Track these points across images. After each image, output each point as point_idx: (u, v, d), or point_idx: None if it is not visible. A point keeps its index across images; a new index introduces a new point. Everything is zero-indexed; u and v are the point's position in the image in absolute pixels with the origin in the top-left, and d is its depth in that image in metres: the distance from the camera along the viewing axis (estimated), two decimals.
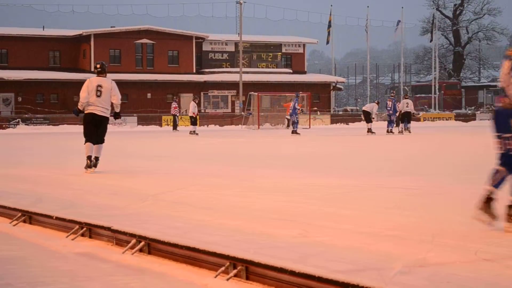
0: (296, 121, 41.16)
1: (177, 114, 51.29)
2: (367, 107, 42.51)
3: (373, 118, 41.31)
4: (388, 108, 40.51)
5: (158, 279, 5.98)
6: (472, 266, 5.70)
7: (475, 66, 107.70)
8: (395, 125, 40.64)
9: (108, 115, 16.09)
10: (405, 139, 33.18)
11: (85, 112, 15.99)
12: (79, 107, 15.90)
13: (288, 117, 51.50)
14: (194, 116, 43.31)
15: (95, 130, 16.03)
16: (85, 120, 16.18)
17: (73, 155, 23.13)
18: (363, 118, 43.38)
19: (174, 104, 51.51)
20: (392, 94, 42.73)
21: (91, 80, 16.01)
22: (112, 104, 15.95)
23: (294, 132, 40.50)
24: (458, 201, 9.93)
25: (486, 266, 5.71)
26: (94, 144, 15.95)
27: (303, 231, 7.41)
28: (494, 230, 7.36)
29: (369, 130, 39.91)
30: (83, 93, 15.93)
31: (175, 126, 50.84)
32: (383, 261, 5.87)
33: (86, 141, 15.97)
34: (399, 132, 40.30)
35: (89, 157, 15.82)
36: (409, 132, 40.40)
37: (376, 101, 45.18)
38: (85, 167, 15.64)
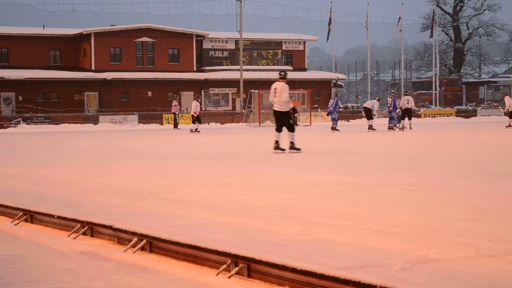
0: (336, 118, 41.02)
1: (177, 112, 51.27)
2: (368, 103, 42.41)
3: (374, 115, 41.32)
4: (388, 105, 40.50)
5: (159, 277, 5.98)
6: (473, 262, 5.70)
7: (476, 62, 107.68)
8: (396, 121, 40.58)
9: (284, 110, 20.94)
10: (406, 135, 33.17)
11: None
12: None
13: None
14: (196, 115, 43.24)
15: (278, 121, 20.91)
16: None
17: (74, 154, 23.14)
18: (363, 115, 43.40)
19: (174, 102, 51.56)
20: (392, 91, 42.64)
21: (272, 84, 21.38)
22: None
23: (334, 129, 40.24)
24: (459, 197, 9.93)
25: (488, 262, 5.71)
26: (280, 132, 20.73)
27: (304, 228, 7.41)
28: (496, 226, 7.36)
29: (370, 127, 39.91)
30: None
31: (175, 125, 50.86)
32: (385, 258, 5.87)
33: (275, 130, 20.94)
34: (399, 128, 40.27)
35: (276, 141, 20.80)
36: (410, 128, 40.35)
37: (376, 98, 45.19)
38: (273, 148, 20.63)
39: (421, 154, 20.24)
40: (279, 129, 20.72)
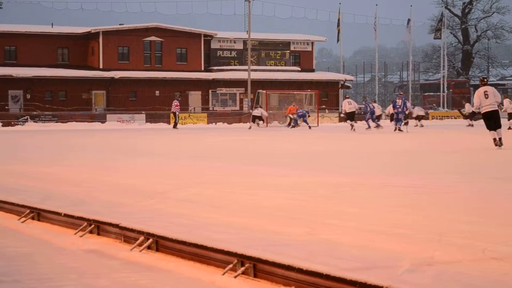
0: (402, 118, 41.07)
1: (178, 112, 51.29)
2: (352, 107, 44.93)
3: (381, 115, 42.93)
4: (398, 106, 40.50)
5: (166, 276, 6.00)
6: (479, 265, 5.70)
7: (484, 64, 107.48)
8: (403, 123, 40.71)
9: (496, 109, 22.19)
10: (412, 137, 33.12)
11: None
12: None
13: (291, 116, 52.00)
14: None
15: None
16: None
17: (80, 152, 23.19)
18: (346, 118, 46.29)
19: (175, 102, 51.44)
20: (400, 93, 43.17)
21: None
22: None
23: (398, 129, 40.05)
24: (463, 200, 9.92)
25: (494, 265, 5.71)
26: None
27: (310, 229, 7.42)
28: (501, 229, 7.35)
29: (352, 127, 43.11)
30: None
31: (175, 124, 50.87)
32: (391, 259, 5.88)
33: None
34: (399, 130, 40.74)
35: (494, 139, 21.89)
36: (421, 126, 41.22)
37: (366, 100, 47.24)
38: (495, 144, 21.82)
39: (426, 155, 20.22)
40: None
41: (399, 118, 40.39)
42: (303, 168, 15.85)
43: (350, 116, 44.87)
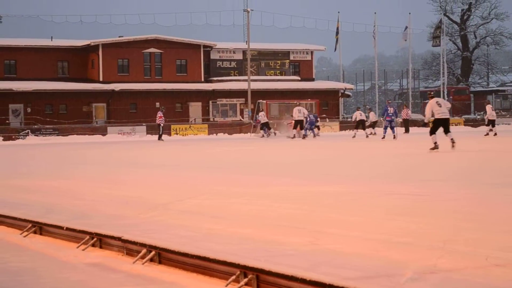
0: (394, 126, 41.72)
1: (162, 124, 51.41)
2: (301, 115, 46.88)
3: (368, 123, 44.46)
4: (390, 114, 41.09)
5: None
6: (483, 272, 5.69)
7: (484, 71, 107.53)
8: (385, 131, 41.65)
9: None
10: (412, 145, 33.11)
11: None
12: None
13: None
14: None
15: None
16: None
17: (82, 165, 23.19)
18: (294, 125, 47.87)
19: (160, 114, 51.56)
20: (389, 101, 45.31)
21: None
22: None
23: (394, 137, 40.82)
24: (465, 207, 9.91)
25: (498, 272, 5.70)
26: None
27: (313, 238, 7.41)
28: (504, 236, 7.34)
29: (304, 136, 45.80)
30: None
31: (160, 136, 50.84)
32: (394, 268, 5.87)
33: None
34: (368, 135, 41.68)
35: (435, 143, 24.76)
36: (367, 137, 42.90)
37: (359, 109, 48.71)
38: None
39: (427, 163, 20.21)
40: None
41: (393, 126, 41.04)
42: (304, 177, 15.84)
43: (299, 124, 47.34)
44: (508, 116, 79.82)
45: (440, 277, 5.53)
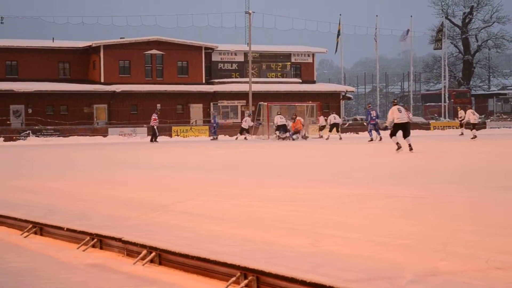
0: (378, 129, 42.70)
1: (156, 126, 51.34)
2: (283, 120, 50.42)
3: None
4: (374, 117, 43.16)
5: None
6: (483, 275, 5.69)
7: (485, 74, 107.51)
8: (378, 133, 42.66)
9: None
10: (413, 147, 33.10)
11: None
12: None
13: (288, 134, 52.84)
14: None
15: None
16: None
17: (82, 166, 23.18)
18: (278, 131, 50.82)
19: (154, 116, 51.53)
20: (369, 105, 47.23)
21: None
22: None
23: (380, 139, 41.90)
24: (465, 209, 9.92)
25: (498, 275, 5.70)
26: None
27: (313, 240, 7.41)
28: (505, 239, 7.34)
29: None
30: None
31: (155, 138, 50.65)
32: (394, 270, 5.87)
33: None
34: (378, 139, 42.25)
35: (397, 143, 27.14)
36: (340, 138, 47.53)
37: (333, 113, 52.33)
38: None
39: (427, 166, 20.20)
40: None
41: (377, 129, 42.65)
42: (305, 179, 15.84)
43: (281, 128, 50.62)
44: (509, 119, 79.75)
45: (440, 280, 5.53)
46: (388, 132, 28.63)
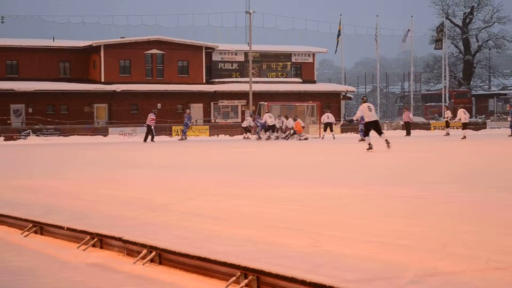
0: (362, 129, 42.53)
1: (153, 126, 51.03)
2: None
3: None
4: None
5: None
6: (483, 275, 5.69)
7: (485, 74, 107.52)
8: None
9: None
10: (412, 148, 33.11)
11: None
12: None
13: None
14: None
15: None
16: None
17: (82, 165, 23.19)
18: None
19: (152, 116, 51.15)
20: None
21: None
22: None
23: (362, 139, 41.35)
24: (465, 210, 9.92)
25: (498, 275, 5.70)
26: None
27: (313, 240, 7.41)
28: (505, 239, 7.34)
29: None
30: None
31: (151, 137, 50.39)
32: (394, 271, 5.87)
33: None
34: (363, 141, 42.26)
35: (369, 144, 27.82)
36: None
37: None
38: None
39: (427, 166, 20.20)
40: None
41: (361, 129, 42.95)
42: (305, 179, 15.84)
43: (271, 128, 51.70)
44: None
45: (440, 280, 5.53)
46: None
